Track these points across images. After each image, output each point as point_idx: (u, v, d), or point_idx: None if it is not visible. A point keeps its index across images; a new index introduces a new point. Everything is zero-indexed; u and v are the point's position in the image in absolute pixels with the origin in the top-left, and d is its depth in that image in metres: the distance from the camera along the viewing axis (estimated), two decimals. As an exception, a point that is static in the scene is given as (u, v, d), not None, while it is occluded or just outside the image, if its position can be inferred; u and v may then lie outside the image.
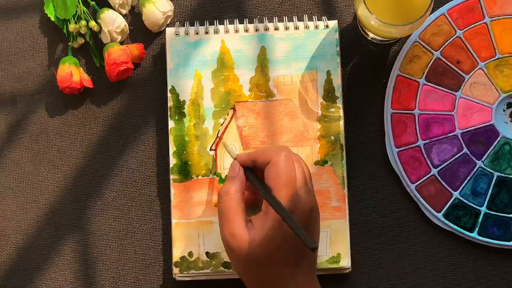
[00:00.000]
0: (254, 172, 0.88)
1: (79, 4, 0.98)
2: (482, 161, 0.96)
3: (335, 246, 0.94)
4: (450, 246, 0.96)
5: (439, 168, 0.96)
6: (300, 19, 0.99)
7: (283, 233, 0.82)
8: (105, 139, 0.99)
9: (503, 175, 0.96)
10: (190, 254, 0.94)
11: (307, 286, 0.85)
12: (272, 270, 0.83)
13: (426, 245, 0.96)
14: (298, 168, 0.85)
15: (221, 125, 0.96)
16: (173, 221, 0.95)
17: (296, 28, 0.96)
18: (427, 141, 0.96)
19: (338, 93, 0.96)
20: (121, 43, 0.99)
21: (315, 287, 0.86)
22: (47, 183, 0.99)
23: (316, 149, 0.95)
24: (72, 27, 0.97)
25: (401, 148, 0.96)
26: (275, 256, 0.83)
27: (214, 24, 0.97)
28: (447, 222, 0.96)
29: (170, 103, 0.96)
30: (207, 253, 0.94)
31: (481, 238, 0.96)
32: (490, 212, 0.96)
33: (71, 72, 0.97)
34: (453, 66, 0.97)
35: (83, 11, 0.98)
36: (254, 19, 0.97)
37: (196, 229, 0.95)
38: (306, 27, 0.96)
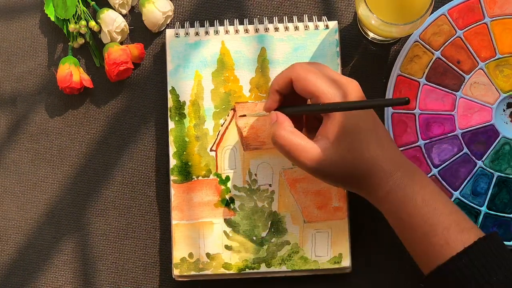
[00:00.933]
0: (288, 106, 0.89)
1: (79, 4, 0.97)
2: (482, 161, 0.96)
3: (336, 247, 0.94)
4: (450, 246, 0.96)
5: (439, 168, 0.96)
6: (300, 19, 0.99)
7: (354, 116, 0.84)
8: (105, 139, 0.99)
9: (503, 175, 0.96)
10: (190, 255, 0.94)
11: (399, 158, 0.86)
12: (362, 155, 0.84)
13: (426, 245, 0.96)
14: (320, 66, 0.87)
15: (221, 126, 0.96)
16: (173, 222, 0.95)
17: (296, 28, 0.96)
18: (428, 141, 0.96)
19: (338, 93, 0.96)
20: (121, 43, 0.99)
21: (405, 158, 0.87)
22: (47, 183, 0.99)
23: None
24: (72, 27, 0.97)
25: (402, 148, 0.96)
26: (359, 141, 0.84)
27: (214, 25, 0.97)
28: (447, 222, 0.96)
29: (170, 104, 0.96)
30: (207, 254, 0.94)
31: (481, 238, 0.96)
32: (490, 212, 0.96)
33: (71, 72, 0.96)
34: (453, 66, 0.97)
35: (83, 11, 0.98)
36: (254, 19, 0.97)
37: (196, 230, 0.95)
38: (306, 27, 0.96)
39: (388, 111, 0.96)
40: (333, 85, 0.85)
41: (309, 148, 0.84)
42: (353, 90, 0.85)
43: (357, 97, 0.85)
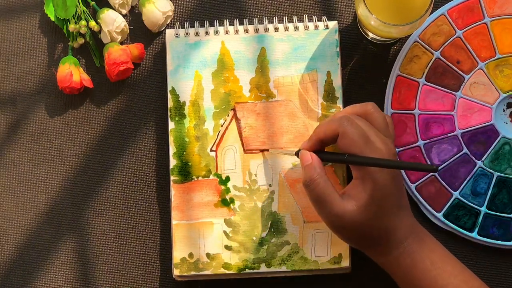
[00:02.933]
0: (323, 151, 0.89)
1: (79, 4, 0.98)
2: (482, 161, 0.96)
3: (336, 247, 0.94)
4: (450, 246, 0.96)
5: (439, 168, 0.96)
6: (300, 19, 0.99)
7: (384, 186, 0.85)
8: (105, 139, 0.99)
9: (503, 175, 0.96)
10: (191, 255, 0.94)
11: (412, 225, 0.88)
12: (382, 223, 0.86)
13: (426, 245, 0.97)
14: (364, 125, 0.87)
15: (222, 126, 0.96)
16: (174, 222, 0.95)
17: (296, 29, 0.96)
18: (427, 141, 0.97)
19: (338, 93, 0.96)
20: (121, 43, 0.99)
21: (417, 223, 0.88)
22: (47, 183, 0.99)
23: (316, 150, 0.95)
24: (72, 27, 0.97)
25: (401, 148, 0.96)
26: (385, 210, 0.85)
27: (214, 25, 0.97)
28: (447, 222, 0.96)
29: (170, 104, 0.96)
30: (207, 254, 0.94)
31: (481, 238, 0.96)
32: (490, 212, 0.96)
33: (71, 72, 0.97)
34: (453, 66, 0.97)
35: (83, 11, 0.98)
36: (254, 19, 0.97)
37: (196, 230, 0.95)
38: (306, 27, 0.96)
39: (388, 111, 0.96)
40: (374, 151, 0.85)
41: (336, 204, 0.85)
42: (390, 154, 0.86)
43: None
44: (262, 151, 0.95)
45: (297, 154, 0.91)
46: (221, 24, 0.98)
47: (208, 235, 0.95)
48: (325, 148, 0.90)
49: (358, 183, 0.86)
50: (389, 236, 0.86)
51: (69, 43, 0.99)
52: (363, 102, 0.90)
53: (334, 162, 0.89)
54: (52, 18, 0.98)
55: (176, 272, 0.94)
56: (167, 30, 0.97)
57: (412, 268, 0.86)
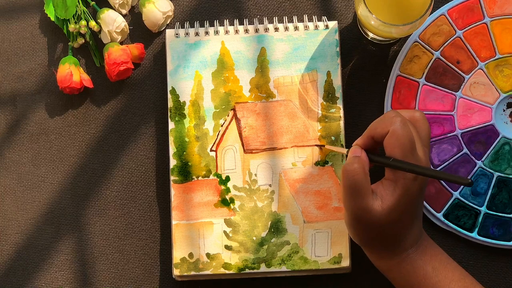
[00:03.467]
0: (373, 153, 0.89)
1: (79, 4, 0.98)
2: (482, 161, 0.96)
3: (336, 247, 0.94)
4: (450, 246, 0.96)
5: (439, 168, 0.96)
6: (300, 19, 0.99)
7: (412, 194, 0.85)
8: (105, 139, 0.99)
9: (503, 175, 0.96)
10: (191, 255, 0.94)
11: (420, 235, 0.88)
12: (397, 230, 0.86)
13: (426, 245, 0.97)
14: (413, 130, 0.87)
15: (221, 126, 0.96)
16: (174, 222, 0.95)
17: (296, 29, 0.96)
18: (427, 141, 0.97)
19: (338, 93, 0.96)
20: (121, 43, 0.99)
21: (424, 234, 0.89)
22: (47, 183, 0.99)
23: (317, 150, 0.95)
24: (72, 27, 0.97)
25: (401, 148, 0.96)
26: (403, 217, 0.86)
27: (214, 25, 0.97)
28: (447, 222, 0.96)
29: (170, 104, 0.96)
30: (207, 254, 0.94)
31: (481, 238, 0.96)
32: (490, 212, 0.96)
33: (71, 72, 0.97)
34: (453, 66, 0.97)
35: (83, 11, 0.98)
36: (254, 19, 0.97)
37: (196, 230, 0.95)
38: (306, 27, 0.96)
39: (388, 111, 0.96)
40: (415, 160, 0.85)
41: (368, 199, 0.85)
42: (427, 165, 0.87)
43: (423, 182, 0.87)
44: (317, 146, 0.95)
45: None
46: (221, 24, 0.98)
47: (208, 235, 0.95)
48: (376, 146, 0.89)
49: (389, 185, 0.86)
50: (398, 243, 0.87)
51: (69, 43, 0.99)
52: (410, 109, 0.90)
53: (379, 163, 0.87)
54: (52, 18, 0.98)
55: (176, 272, 0.94)
56: (167, 30, 0.97)
57: (412, 274, 0.87)
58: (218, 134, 0.96)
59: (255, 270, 0.94)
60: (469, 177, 0.96)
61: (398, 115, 0.86)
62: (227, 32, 0.97)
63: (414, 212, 0.87)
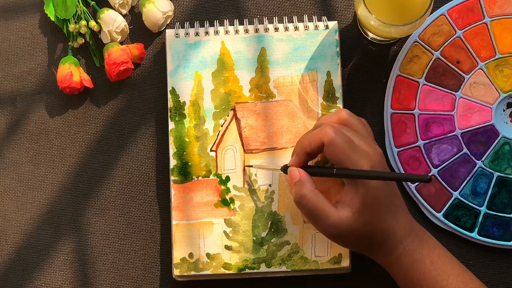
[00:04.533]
0: (312, 166, 0.90)
1: (79, 4, 0.98)
2: (482, 161, 0.96)
3: (336, 247, 0.94)
4: (450, 246, 0.96)
5: (439, 168, 0.96)
6: (300, 19, 0.99)
7: (377, 189, 0.85)
8: (105, 139, 0.99)
9: (503, 175, 0.96)
10: (191, 255, 0.94)
11: (410, 224, 0.88)
12: (379, 225, 0.86)
13: (426, 245, 0.97)
14: (347, 131, 0.87)
15: (222, 126, 0.96)
16: (174, 222, 0.95)
17: (296, 29, 0.96)
18: (427, 141, 0.97)
19: (338, 93, 0.96)
20: (121, 43, 0.99)
21: (415, 222, 0.89)
22: (47, 183, 0.99)
23: (316, 150, 0.95)
24: (72, 27, 0.97)
25: (401, 148, 0.96)
26: (379, 213, 0.86)
27: (214, 25, 0.97)
28: (447, 222, 0.96)
29: (170, 104, 0.96)
30: (207, 254, 0.94)
31: (481, 238, 0.96)
32: (490, 212, 0.96)
33: (71, 72, 0.97)
34: (453, 66, 0.97)
35: (83, 11, 0.98)
36: (254, 20, 0.97)
37: (196, 230, 0.95)
38: (306, 27, 0.96)
39: (388, 111, 0.96)
40: (362, 155, 0.86)
41: (331, 215, 0.86)
42: (379, 161, 0.87)
43: (382, 168, 0.87)
44: (246, 166, 0.95)
45: (283, 169, 0.92)
46: (221, 24, 0.98)
47: (208, 235, 0.95)
48: (312, 159, 0.90)
49: (350, 189, 0.86)
50: (388, 237, 0.87)
51: (69, 43, 0.99)
52: (338, 109, 0.91)
53: (323, 176, 0.90)
54: (52, 18, 0.98)
55: (176, 272, 0.94)
56: (167, 30, 0.97)
57: (412, 268, 0.87)
58: (218, 134, 0.96)
59: (255, 270, 0.94)
60: (469, 177, 0.96)
61: (326, 124, 0.87)
62: (227, 32, 0.97)
63: (390, 203, 0.87)
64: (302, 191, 0.88)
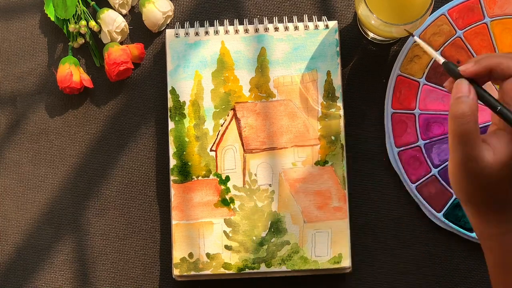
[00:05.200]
0: (482, 88, 0.76)
1: (79, 4, 0.98)
2: (482, 161, 0.96)
3: (336, 247, 0.94)
4: (450, 246, 0.96)
5: (439, 168, 0.96)
6: (300, 19, 0.99)
7: None
8: (105, 139, 0.99)
9: (503, 175, 0.96)
10: (190, 255, 0.94)
11: None
12: (509, 189, 0.75)
13: (426, 245, 0.96)
14: None
15: (221, 126, 0.96)
16: (173, 222, 0.95)
17: (296, 28, 0.96)
18: (428, 141, 0.96)
19: (338, 93, 0.96)
20: (121, 43, 0.99)
21: None
22: (47, 183, 0.99)
23: (317, 149, 0.95)
24: (72, 27, 0.97)
25: (402, 148, 0.96)
26: None
27: (214, 25, 0.97)
28: (447, 222, 0.96)
29: (170, 104, 0.96)
30: (207, 254, 0.94)
31: (481, 238, 0.96)
32: (490, 212, 0.96)
33: (71, 72, 0.97)
34: (453, 66, 0.97)
35: (83, 11, 0.98)
36: (254, 19, 0.97)
37: (196, 230, 0.95)
38: (306, 27, 0.96)
39: (388, 111, 0.96)
40: None
41: (477, 148, 0.74)
42: None
43: None
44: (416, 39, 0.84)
45: (446, 66, 0.79)
46: (221, 24, 0.98)
47: (208, 235, 0.95)
48: (483, 81, 0.76)
49: (503, 136, 0.75)
50: (507, 207, 0.75)
51: (69, 43, 0.99)
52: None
53: (484, 103, 0.76)
54: (52, 18, 0.98)
55: (176, 272, 0.94)
56: (167, 30, 0.97)
57: None
58: (218, 134, 0.96)
59: (255, 270, 0.94)
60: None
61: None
62: (227, 32, 0.97)
63: None
64: (465, 109, 0.73)
